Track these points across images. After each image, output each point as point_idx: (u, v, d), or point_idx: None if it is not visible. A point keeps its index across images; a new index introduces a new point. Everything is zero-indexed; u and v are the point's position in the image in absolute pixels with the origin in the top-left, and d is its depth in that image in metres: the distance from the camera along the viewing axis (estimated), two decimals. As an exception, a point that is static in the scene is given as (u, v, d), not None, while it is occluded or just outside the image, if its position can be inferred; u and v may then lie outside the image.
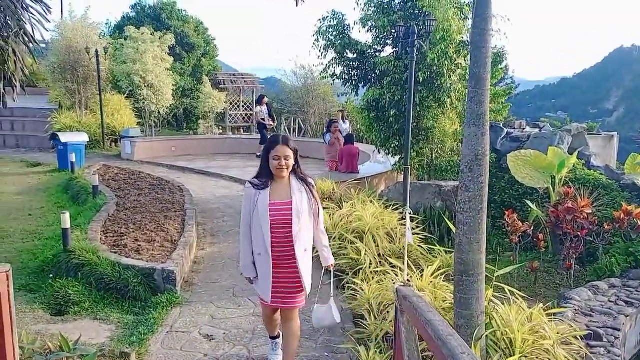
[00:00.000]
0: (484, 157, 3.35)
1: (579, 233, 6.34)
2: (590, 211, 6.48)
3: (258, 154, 12.65)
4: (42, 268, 5.99)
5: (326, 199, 8.13)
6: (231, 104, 21.29)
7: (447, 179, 8.30)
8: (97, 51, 15.12)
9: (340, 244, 6.17)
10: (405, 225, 4.61)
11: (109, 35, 21.36)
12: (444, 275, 4.99)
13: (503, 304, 4.11)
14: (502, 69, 9.61)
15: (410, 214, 4.71)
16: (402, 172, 9.87)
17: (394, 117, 8.32)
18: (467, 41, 8.25)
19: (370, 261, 5.70)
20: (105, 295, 5.37)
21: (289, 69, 18.55)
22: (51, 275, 5.76)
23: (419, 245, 6.21)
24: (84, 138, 12.38)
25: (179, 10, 24.77)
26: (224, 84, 20.77)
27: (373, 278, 5.29)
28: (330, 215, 6.96)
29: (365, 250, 5.79)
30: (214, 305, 5.32)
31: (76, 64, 15.61)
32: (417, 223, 6.95)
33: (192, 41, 23.97)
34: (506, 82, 21.48)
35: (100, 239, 6.56)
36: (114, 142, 15.88)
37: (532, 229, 6.64)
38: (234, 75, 22.30)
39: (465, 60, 8.34)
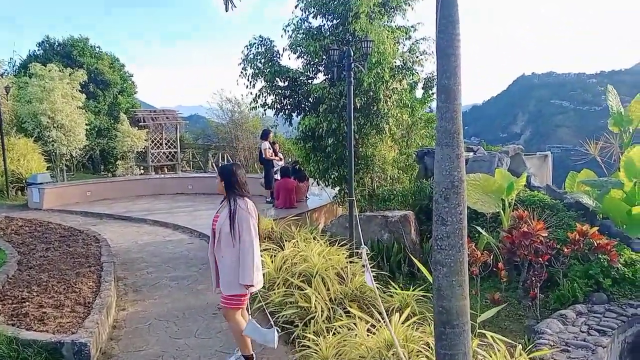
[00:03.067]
0: (460, 184, 2.86)
1: (539, 259, 6.05)
2: (546, 234, 6.24)
3: (268, 199, 11.19)
4: None
5: (265, 238, 7.40)
6: (153, 142, 20.10)
7: (390, 209, 7.89)
8: (-4, 91, 13.61)
9: (285, 291, 5.45)
10: (364, 265, 3.99)
11: (13, 74, 19.62)
12: (409, 322, 4.41)
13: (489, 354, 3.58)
14: (432, 93, 9.48)
15: (367, 252, 4.11)
16: (343, 205, 9.41)
17: (332, 146, 7.83)
18: (401, 65, 8.04)
19: (322, 309, 5.02)
20: (-2, 383, 4.29)
21: (214, 103, 17.79)
22: None
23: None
24: (-21, 187, 10.84)
25: (91, 46, 23.42)
26: (144, 122, 19.61)
27: (329, 330, 4.62)
28: (271, 258, 6.24)
29: (316, 296, 5.11)
30: (140, 381, 4.39)
31: (-28, 105, 13.96)
32: (359, 257, 6.39)
33: (107, 78, 22.62)
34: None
35: (-5, 308, 5.40)
36: (20, 190, 14.24)
37: (491, 258, 6.28)
38: (154, 112, 21.18)
39: (400, 85, 8.08)
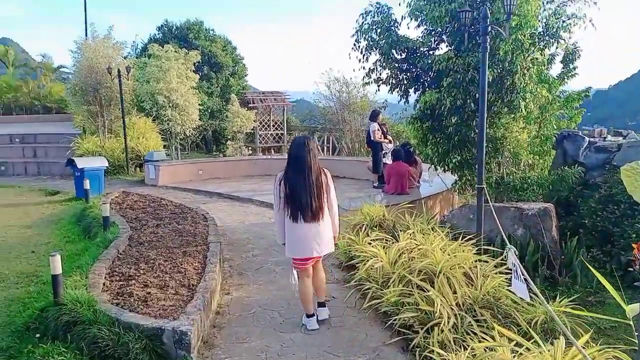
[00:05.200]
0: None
1: None
2: None
3: (375, 184, 10.72)
4: (28, 325, 4.76)
5: (375, 226, 6.73)
6: (261, 123, 20.26)
7: (523, 199, 6.80)
8: (119, 71, 14.26)
9: (402, 290, 4.74)
10: (513, 270, 3.15)
11: (135, 57, 20.75)
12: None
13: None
14: (574, 68, 8.07)
15: (516, 254, 3.25)
16: (462, 193, 8.43)
17: (454, 126, 6.89)
18: (543, 31, 6.82)
19: (449, 315, 4.24)
20: (100, 366, 4.09)
21: (321, 84, 17.35)
22: (37, 336, 4.54)
23: (507, 289, 4.71)
24: (102, 163, 11.37)
25: (206, 29, 24.13)
26: (253, 103, 19.79)
27: (457, 342, 3.84)
28: (385, 250, 5.55)
29: (440, 299, 4.34)
30: (241, 379, 3.96)
31: (98, 85, 14.81)
32: (489, 255, 5.43)
33: (220, 61, 23.22)
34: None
35: (104, 284, 5.32)
36: (139, 166, 14.91)
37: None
38: (263, 93, 21.33)
39: (542, 55, 6.87)
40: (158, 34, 23.63)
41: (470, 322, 4.28)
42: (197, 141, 21.59)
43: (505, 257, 3.49)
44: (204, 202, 10.77)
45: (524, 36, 6.31)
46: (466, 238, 5.62)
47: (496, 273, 4.93)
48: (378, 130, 11.03)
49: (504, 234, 4.01)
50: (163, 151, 14.57)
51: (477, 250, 5.40)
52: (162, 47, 15.27)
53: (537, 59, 6.86)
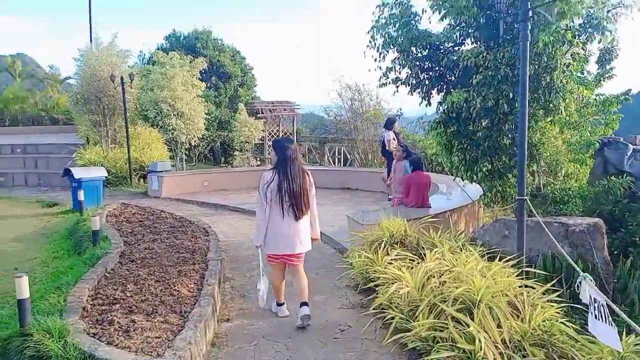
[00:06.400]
0: None
1: None
2: None
3: (391, 196, 9.48)
4: (-11, 358, 4.03)
5: (396, 243, 5.95)
6: (270, 134, 19.61)
7: (564, 213, 5.98)
8: (122, 79, 13.70)
9: (434, 323, 3.93)
10: (591, 307, 2.37)
11: (142, 66, 20.27)
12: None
13: None
14: (611, 69, 7.26)
15: (592, 281, 2.46)
16: (489, 206, 7.62)
17: (484, 130, 6.10)
18: (585, 22, 6.02)
19: (494, 356, 3.44)
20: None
21: (333, 91, 16.67)
22: (-3, 372, 3.81)
23: (561, 322, 3.89)
24: (101, 173, 10.73)
25: (214, 39, 23.64)
26: (262, 113, 19.17)
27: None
28: (409, 271, 4.76)
29: (484, 336, 3.53)
30: None
31: (100, 93, 14.25)
32: (535, 281, 4.62)
33: (228, 70, 22.67)
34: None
35: (84, 309, 4.59)
36: (143, 177, 14.26)
37: None
38: (272, 103, 20.69)
39: (584, 50, 6.08)
40: (166, 43, 23.17)
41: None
42: (205, 152, 20.98)
43: (577, 287, 2.68)
44: (208, 215, 10.09)
45: (567, 26, 5.56)
46: (505, 259, 4.80)
47: (546, 302, 4.12)
48: (394, 139, 10.29)
49: (567, 257, 3.22)
50: (168, 162, 13.94)
51: (517, 274, 4.59)
52: (167, 54, 14.71)
53: (578, 53, 6.09)
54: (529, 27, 4.48)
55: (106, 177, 11.21)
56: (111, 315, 4.36)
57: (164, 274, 5.55)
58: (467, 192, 8.38)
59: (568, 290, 4.91)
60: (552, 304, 4.12)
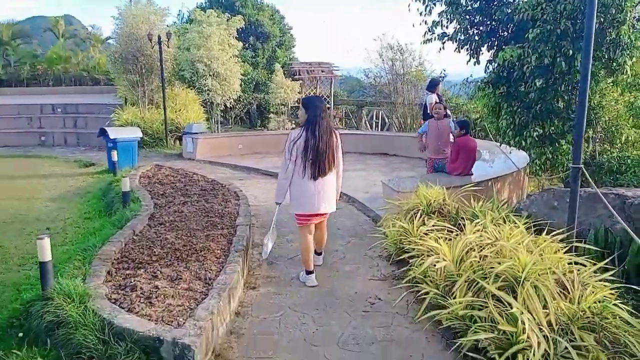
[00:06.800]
0: None
1: None
2: None
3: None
4: (12, 321, 3.99)
5: (433, 213, 5.59)
6: (306, 96, 19.21)
7: (622, 184, 5.45)
8: (159, 37, 13.50)
9: (473, 300, 3.61)
10: None
11: (179, 26, 20.06)
12: None
13: None
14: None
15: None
16: (537, 174, 7.10)
17: (538, 92, 5.55)
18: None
19: (538, 339, 3.10)
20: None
21: (373, 51, 15.94)
22: (20, 335, 3.76)
23: (614, 304, 3.49)
24: (136, 134, 10.69)
25: (254, -3, 23.11)
26: (299, 75, 18.74)
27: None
28: (448, 244, 4.42)
29: (528, 317, 3.20)
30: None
31: (138, 52, 14.14)
32: (586, 258, 4.20)
33: (266, 30, 22.21)
34: None
35: (108, 272, 4.49)
36: (179, 139, 14.22)
37: None
38: (310, 64, 20.19)
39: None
40: (205, 2, 22.82)
41: (566, 348, 3.14)
42: (242, 115, 20.83)
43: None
44: (241, 179, 9.95)
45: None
46: (553, 233, 4.39)
47: (598, 281, 3.72)
48: (437, 102, 9.74)
49: (631, 232, 2.80)
50: (203, 124, 13.81)
51: (567, 249, 4.18)
52: (205, 12, 14.39)
53: (648, 6, 5.40)
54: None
55: (142, 137, 11.17)
56: (134, 280, 4.25)
57: (191, 238, 5.41)
58: (511, 159, 7.85)
59: (623, 268, 4.48)
60: (604, 283, 3.72)
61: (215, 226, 5.90)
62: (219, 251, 5.05)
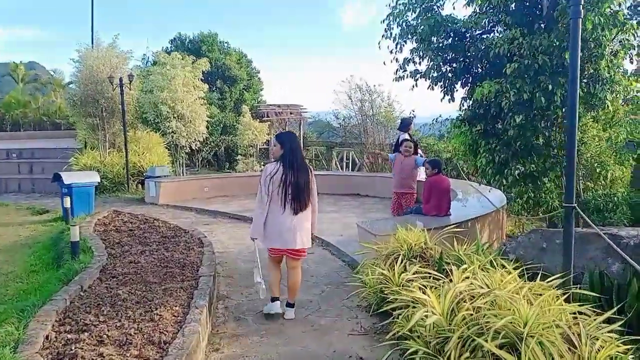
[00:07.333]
0: None
1: None
2: None
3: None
4: None
5: (414, 257, 5.17)
6: (275, 138, 18.91)
7: (610, 223, 5.19)
8: (120, 80, 13.06)
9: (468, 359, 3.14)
10: None
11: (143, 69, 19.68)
12: None
13: None
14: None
15: None
16: (519, 214, 6.81)
17: (517, 128, 5.31)
18: (632, 5, 5.25)
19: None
20: None
21: (342, 92, 15.87)
22: None
23: (617, 352, 3.09)
24: (93, 178, 10.01)
25: (220, 42, 23.07)
26: (268, 117, 18.47)
27: None
28: (433, 292, 3.97)
29: (537, 384, 2.74)
30: None
31: (98, 95, 13.60)
32: (584, 305, 3.81)
33: (234, 74, 22.09)
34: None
35: (46, 338, 3.84)
36: (141, 183, 13.56)
37: None
38: (278, 106, 20.00)
39: (634, 36, 5.27)
40: (170, 47, 22.61)
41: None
42: (209, 157, 20.32)
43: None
44: (206, 223, 9.39)
45: (619, 5, 4.77)
46: (548, 279, 4.00)
47: (606, 332, 3.31)
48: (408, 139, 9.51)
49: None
50: (167, 167, 13.23)
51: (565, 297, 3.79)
52: (169, 54, 14.07)
53: (628, 40, 5.27)
54: (582, 1, 3.70)
55: (100, 182, 10.50)
56: (75, 348, 3.61)
57: (146, 293, 4.81)
58: (488, 198, 7.57)
59: (625, 313, 4.10)
60: (610, 334, 3.32)
61: (175, 278, 5.31)
62: (177, 307, 4.46)
